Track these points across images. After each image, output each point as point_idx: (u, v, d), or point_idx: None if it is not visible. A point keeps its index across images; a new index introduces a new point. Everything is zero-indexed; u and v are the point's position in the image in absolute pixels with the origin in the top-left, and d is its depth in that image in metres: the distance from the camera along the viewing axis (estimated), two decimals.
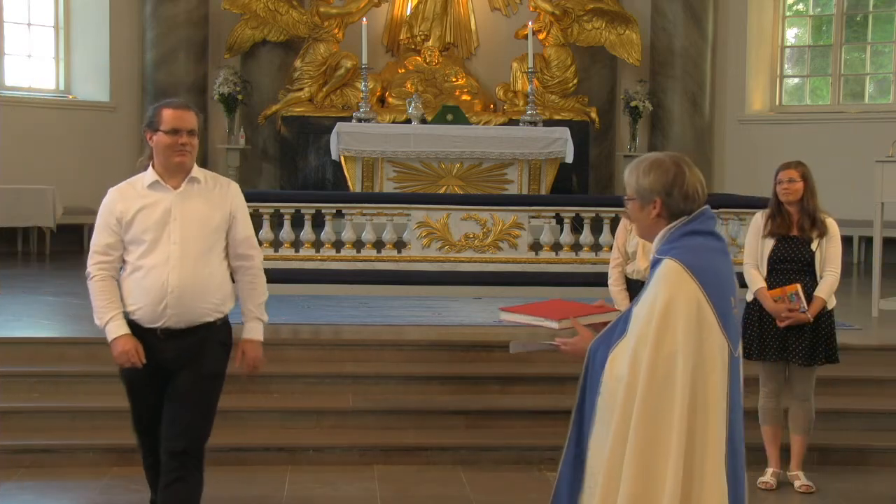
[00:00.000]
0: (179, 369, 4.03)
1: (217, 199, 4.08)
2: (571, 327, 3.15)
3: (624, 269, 5.48)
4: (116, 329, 3.98)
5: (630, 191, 3.09)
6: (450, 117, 11.18)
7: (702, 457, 2.86)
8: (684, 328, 2.86)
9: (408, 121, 11.44)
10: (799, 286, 5.20)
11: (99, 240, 4.04)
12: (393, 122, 12.00)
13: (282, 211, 8.86)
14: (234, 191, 4.15)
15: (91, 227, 13.07)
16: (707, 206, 3.07)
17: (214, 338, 4.07)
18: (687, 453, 2.83)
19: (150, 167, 4.07)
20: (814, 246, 5.28)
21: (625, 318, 3.00)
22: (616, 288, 5.49)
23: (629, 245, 5.44)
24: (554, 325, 3.16)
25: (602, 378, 2.96)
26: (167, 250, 3.95)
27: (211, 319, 4.05)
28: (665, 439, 2.83)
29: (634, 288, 5.34)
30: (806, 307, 5.19)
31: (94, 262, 4.03)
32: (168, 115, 4.02)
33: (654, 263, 2.99)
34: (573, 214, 9.10)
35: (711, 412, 2.88)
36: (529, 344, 3.27)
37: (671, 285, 2.89)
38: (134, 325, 4.02)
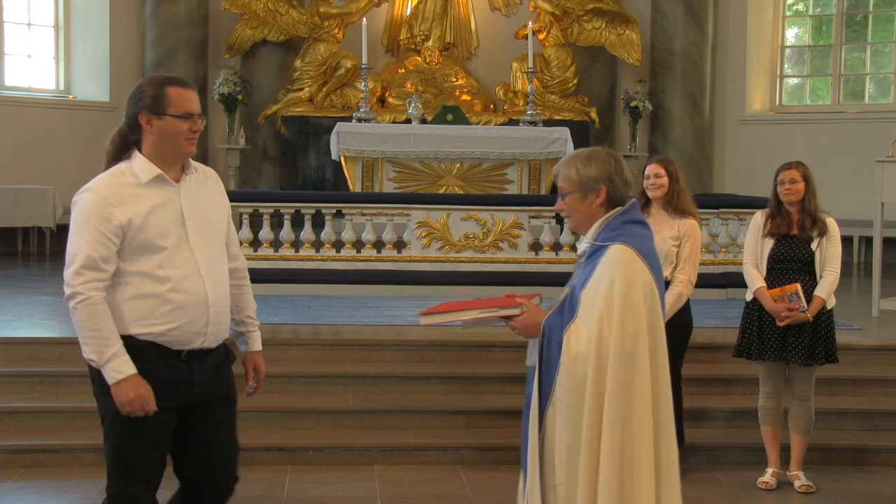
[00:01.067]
0: (215, 399, 3.44)
1: (214, 192, 3.50)
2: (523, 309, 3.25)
3: None
4: (124, 367, 3.20)
5: (569, 184, 3.24)
6: (450, 117, 11.18)
7: (659, 425, 3.13)
8: (643, 309, 3.07)
9: (408, 121, 11.44)
10: (798, 286, 5.20)
11: (87, 252, 3.23)
12: (393, 122, 12.00)
13: (282, 211, 8.87)
14: (220, 181, 3.60)
15: None
16: (633, 198, 3.28)
17: (230, 354, 3.54)
18: (654, 424, 3.12)
19: (138, 157, 3.35)
20: (814, 245, 5.28)
21: (570, 300, 3.16)
22: None
23: None
24: (515, 311, 3.24)
25: (561, 357, 3.11)
26: (190, 256, 3.32)
27: (228, 334, 3.52)
28: (639, 413, 3.06)
29: None
30: (806, 307, 5.19)
31: (83, 281, 3.22)
32: (178, 96, 3.31)
33: (598, 249, 3.16)
34: None
35: (662, 386, 3.14)
36: (482, 320, 3.30)
37: (628, 269, 3.08)
38: (144, 352, 3.28)
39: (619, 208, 3.20)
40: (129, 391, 3.19)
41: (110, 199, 3.26)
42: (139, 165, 3.34)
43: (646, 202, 5.40)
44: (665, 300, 5.05)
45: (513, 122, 12.03)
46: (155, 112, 3.30)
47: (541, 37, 13.14)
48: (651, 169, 5.39)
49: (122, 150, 3.38)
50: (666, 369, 3.16)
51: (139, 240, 3.27)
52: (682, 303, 5.25)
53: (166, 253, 3.28)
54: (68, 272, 3.26)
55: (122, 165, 3.35)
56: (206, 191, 3.46)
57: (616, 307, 3.04)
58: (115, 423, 3.29)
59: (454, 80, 13.35)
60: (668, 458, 3.16)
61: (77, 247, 3.27)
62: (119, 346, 3.22)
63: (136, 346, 3.25)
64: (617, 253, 3.09)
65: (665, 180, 5.34)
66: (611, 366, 3.04)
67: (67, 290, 3.27)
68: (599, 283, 3.08)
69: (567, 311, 3.15)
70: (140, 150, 3.35)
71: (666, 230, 5.28)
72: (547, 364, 3.14)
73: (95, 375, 3.30)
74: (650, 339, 3.09)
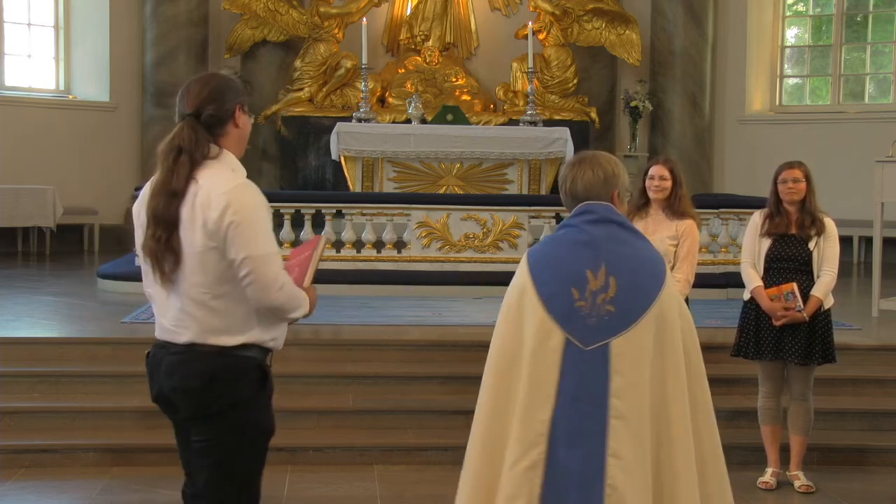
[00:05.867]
0: None
1: None
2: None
3: None
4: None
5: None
6: (450, 117, 11.18)
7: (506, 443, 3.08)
8: (504, 311, 3.15)
9: (408, 121, 11.44)
10: (795, 285, 5.20)
11: (275, 247, 3.06)
12: (393, 122, 12.00)
13: (282, 211, 8.86)
14: None
15: (90, 228, 13.07)
16: (587, 203, 3.18)
17: None
18: (491, 434, 3.13)
19: (229, 154, 3.13)
20: (811, 245, 5.28)
21: None
22: None
23: None
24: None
25: None
26: None
27: None
28: (477, 416, 3.16)
29: None
30: (802, 306, 5.19)
31: (280, 268, 3.03)
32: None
33: None
34: None
35: (504, 398, 3.10)
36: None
37: (516, 274, 3.19)
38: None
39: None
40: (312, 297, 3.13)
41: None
42: (236, 164, 3.14)
43: (644, 202, 5.39)
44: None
45: (513, 122, 12.03)
46: (245, 110, 3.13)
47: (541, 37, 13.14)
48: (656, 171, 5.36)
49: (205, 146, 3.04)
50: (528, 376, 3.05)
51: None
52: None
53: None
54: (275, 269, 2.99)
55: (226, 162, 3.09)
56: None
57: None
58: (255, 451, 3.12)
59: (454, 80, 13.35)
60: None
61: (271, 244, 3.02)
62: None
63: (261, 355, 3.08)
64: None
65: (669, 183, 5.32)
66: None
67: (278, 283, 2.99)
68: None
69: None
70: (218, 146, 3.08)
71: (664, 230, 5.28)
72: None
73: (230, 414, 3.04)
74: (508, 344, 3.10)
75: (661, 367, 3.03)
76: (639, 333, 3.01)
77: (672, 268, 5.26)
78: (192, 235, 2.96)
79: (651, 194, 5.37)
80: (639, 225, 5.36)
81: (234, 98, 3.09)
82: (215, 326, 3.00)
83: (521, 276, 3.14)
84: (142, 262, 3.10)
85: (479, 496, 3.11)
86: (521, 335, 3.09)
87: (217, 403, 3.02)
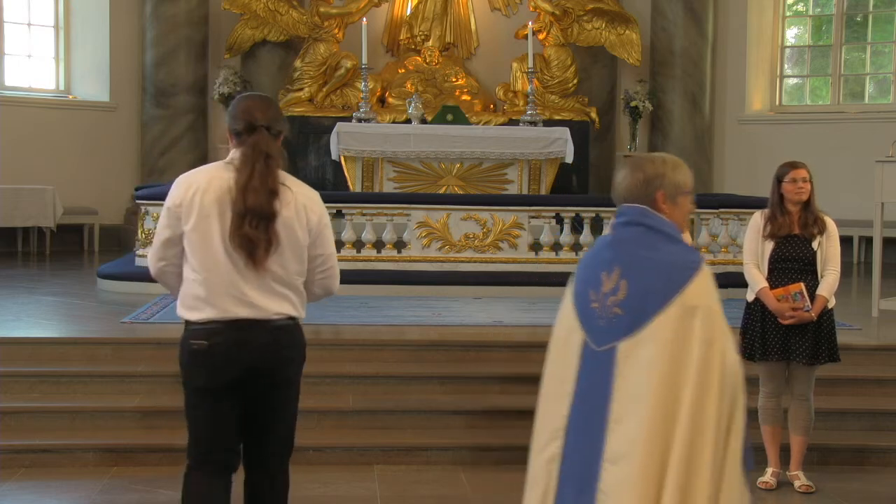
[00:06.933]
0: None
1: None
2: None
3: None
4: None
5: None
6: (450, 117, 11.18)
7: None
8: (563, 311, 3.21)
9: (408, 121, 11.44)
10: (802, 285, 5.20)
11: None
12: (393, 122, 12.00)
13: None
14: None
15: (90, 228, 13.09)
16: (623, 205, 3.20)
17: None
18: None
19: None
20: (815, 244, 5.27)
21: None
22: None
23: None
24: None
25: None
26: None
27: None
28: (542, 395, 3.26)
29: None
30: (810, 306, 5.19)
31: None
32: None
33: None
34: (573, 214, 9.10)
35: (545, 387, 3.21)
36: None
37: None
38: None
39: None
40: None
41: None
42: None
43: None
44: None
45: (513, 122, 12.03)
46: None
47: (541, 37, 13.14)
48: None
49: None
50: (552, 372, 3.18)
51: None
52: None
53: None
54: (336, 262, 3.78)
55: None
56: None
57: None
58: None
59: (454, 80, 13.34)
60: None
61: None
62: None
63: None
64: None
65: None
66: None
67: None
68: None
69: None
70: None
71: None
72: None
73: (302, 356, 3.69)
74: (553, 338, 3.22)
75: (673, 375, 2.94)
76: (646, 338, 2.97)
77: None
78: (296, 232, 3.54)
79: None
80: None
81: (285, 120, 3.78)
82: (296, 304, 3.60)
83: (575, 272, 3.25)
84: (200, 248, 3.48)
85: (528, 478, 3.22)
86: (555, 329, 3.22)
87: (302, 365, 3.71)
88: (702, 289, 3.01)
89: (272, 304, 3.51)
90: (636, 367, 2.97)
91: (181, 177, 3.61)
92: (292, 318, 3.59)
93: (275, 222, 3.46)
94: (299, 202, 3.55)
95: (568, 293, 3.19)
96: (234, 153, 3.55)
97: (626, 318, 3.00)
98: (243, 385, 3.54)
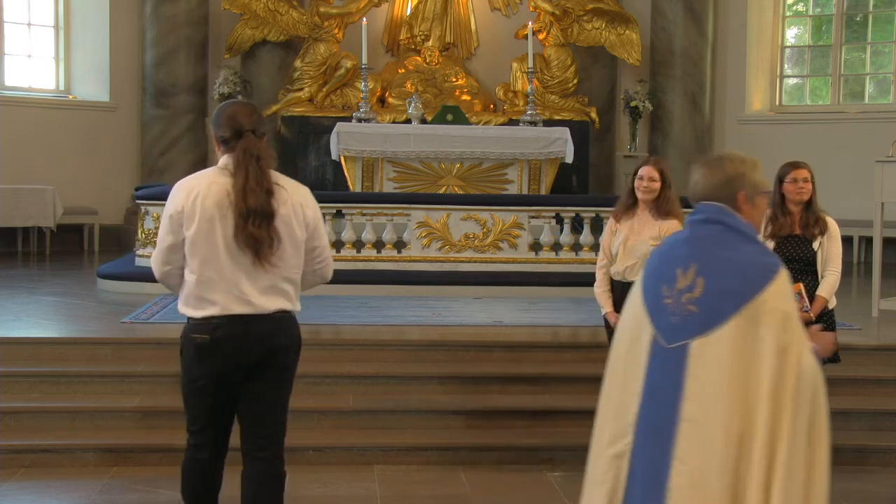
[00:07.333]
0: None
1: None
2: None
3: (609, 270, 5.43)
4: None
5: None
6: (450, 117, 11.18)
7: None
8: (628, 298, 3.21)
9: (408, 121, 11.44)
10: (801, 285, 5.20)
11: None
12: (393, 122, 11.99)
13: None
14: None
15: (90, 228, 13.07)
16: (700, 203, 3.15)
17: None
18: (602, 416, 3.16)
19: None
20: (815, 245, 5.26)
21: None
22: (599, 290, 5.46)
23: (612, 246, 5.41)
24: None
25: None
26: None
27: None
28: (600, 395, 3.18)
29: (618, 289, 5.33)
30: (809, 306, 5.18)
31: None
32: None
33: None
34: (573, 214, 9.11)
35: (610, 383, 3.14)
36: None
37: None
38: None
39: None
40: None
41: None
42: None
43: (633, 202, 5.36)
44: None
45: (513, 122, 12.02)
46: None
47: (541, 37, 13.14)
48: (646, 172, 5.31)
49: None
50: (620, 368, 3.11)
51: None
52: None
53: None
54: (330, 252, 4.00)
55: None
56: None
57: None
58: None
59: (454, 80, 13.34)
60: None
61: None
62: None
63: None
64: None
65: (658, 184, 5.28)
66: None
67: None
68: None
69: None
70: None
71: (647, 231, 5.26)
72: None
73: (296, 344, 3.91)
74: (619, 335, 3.17)
75: (747, 378, 2.88)
76: (721, 338, 2.90)
77: None
78: (294, 228, 3.74)
79: (639, 195, 5.32)
80: (626, 225, 5.36)
81: (266, 122, 3.96)
82: (293, 297, 3.83)
83: (644, 267, 3.22)
84: (202, 250, 3.66)
85: (589, 476, 3.15)
86: (628, 326, 3.16)
87: (298, 353, 3.96)
88: (780, 293, 2.96)
89: (269, 302, 3.74)
90: (709, 367, 2.91)
91: (179, 183, 3.79)
92: (288, 312, 3.82)
93: (274, 221, 3.66)
94: (295, 200, 3.77)
95: (636, 291, 3.14)
96: (225, 159, 3.73)
97: (700, 317, 2.95)
98: (241, 373, 3.77)
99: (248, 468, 3.92)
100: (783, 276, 2.99)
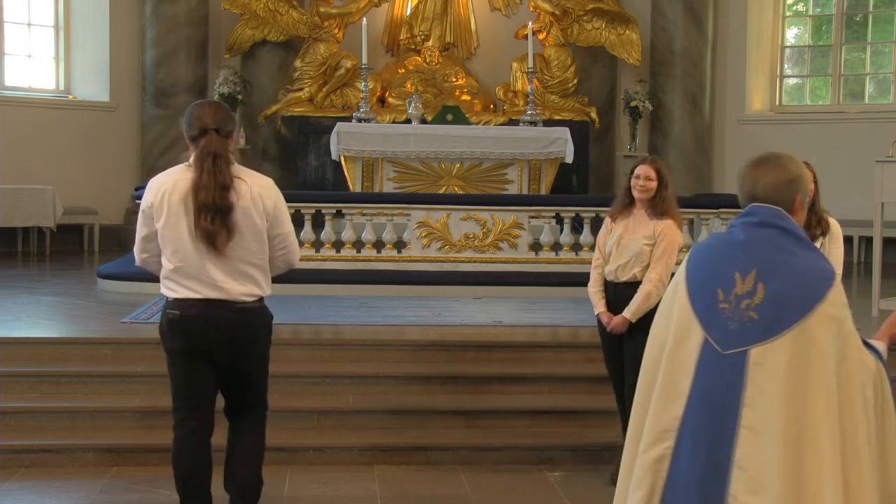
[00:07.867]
0: None
1: None
2: None
3: (603, 270, 5.37)
4: None
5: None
6: (450, 117, 11.18)
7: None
8: (661, 303, 3.14)
9: (408, 121, 11.44)
10: None
11: None
12: (393, 122, 11.99)
13: None
14: None
15: (90, 228, 13.07)
16: (753, 205, 3.09)
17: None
18: (637, 420, 3.09)
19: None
20: (817, 245, 5.25)
21: None
22: (592, 289, 5.37)
23: (607, 245, 5.38)
24: None
25: None
26: None
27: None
28: (634, 399, 3.13)
29: (610, 289, 5.31)
30: None
31: None
32: None
33: None
34: (573, 214, 9.11)
35: (646, 386, 3.06)
36: None
37: (678, 269, 3.13)
38: None
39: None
40: None
41: None
42: None
43: (629, 202, 5.32)
44: (633, 300, 5.14)
45: (513, 122, 12.02)
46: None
47: (541, 37, 13.14)
48: (642, 170, 5.25)
49: None
50: (668, 370, 3.00)
51: None
52: (651, 302, 5.07)
53: None
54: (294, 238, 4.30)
55: (241, 165, 4.15)
56: None
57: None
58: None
59: (454, 80, 13.34)
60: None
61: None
62: None
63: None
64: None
65: (654, 184, 5.22)
66: None
67: (298, 251, 4.33)
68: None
69: None
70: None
71: (641, 230, 5.22)
72: None
73: (264, 326, 4.28)
74: (659, 337, 3.06)
75: (803, 387, 2.81)
76: (782, 346, 2.84)
77: (646, 268, 5.21)
78: (253, 218, 4.05)
79: (635, 194, 5.26)
80: (621, 225, 5.32)
81: (234, 120, 4.19)
82: (261, 282, 4.16)
83: (680, 270, 3.08)
84: (171, 241, 4.05)
85: (623, 481, 3.10)
86: (670, 327, 3.02)
87: (268, 338, 4.34)
88: (838, 300, 2.89)
89: (237, 286, 4.08)
90: (770, 375, 2.85)
91: (152, 180, 4.16)
92: (257, 298, 4.16)
93: (231, 214, 3.98)
94: (254, 192, 4.07)
95: (679, 292, 3.02)
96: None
97: (761, 324, 2.87)
98: (212, 353, 4.14)
99: (231, 421, 4.39)
100: (839, 282, 2.93)
